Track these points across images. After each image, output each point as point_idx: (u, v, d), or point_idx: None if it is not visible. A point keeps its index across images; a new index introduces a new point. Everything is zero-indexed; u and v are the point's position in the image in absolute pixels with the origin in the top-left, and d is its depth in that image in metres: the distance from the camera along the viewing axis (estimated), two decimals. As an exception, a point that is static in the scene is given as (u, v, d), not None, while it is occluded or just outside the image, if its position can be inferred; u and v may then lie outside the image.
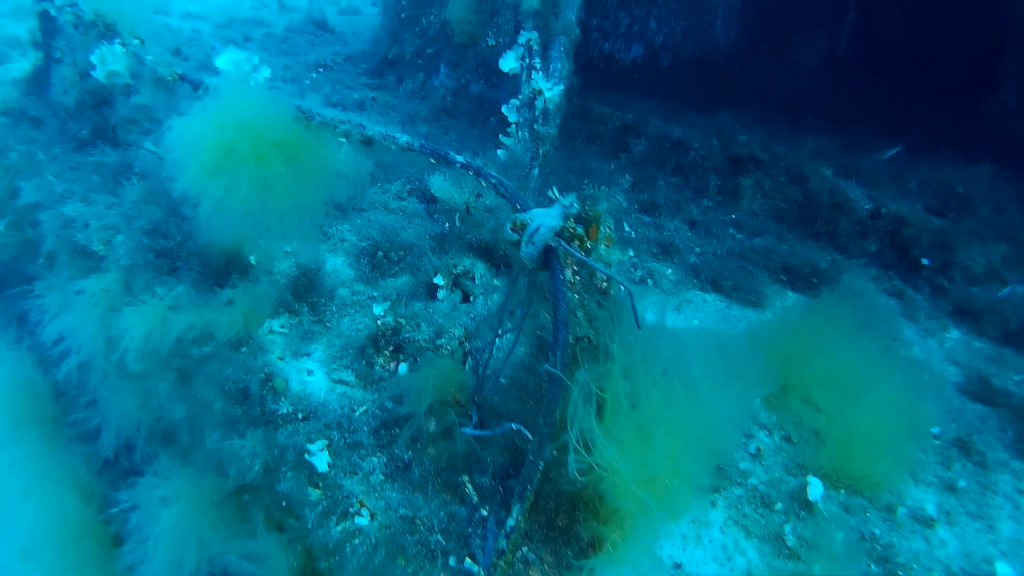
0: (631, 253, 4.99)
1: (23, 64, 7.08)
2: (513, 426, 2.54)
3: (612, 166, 6.17)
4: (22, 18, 9.13)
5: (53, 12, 5.36)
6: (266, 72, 3.71)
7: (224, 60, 3.68)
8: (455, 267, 3.98)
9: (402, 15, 7.74)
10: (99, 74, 4.60)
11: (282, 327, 3.70)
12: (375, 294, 3.92)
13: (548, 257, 2.48)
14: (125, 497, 3.41)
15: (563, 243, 2.44)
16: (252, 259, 3.89)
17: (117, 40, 4.61)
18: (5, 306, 5.23)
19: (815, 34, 8.28)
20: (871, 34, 7.77)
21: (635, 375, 2.45)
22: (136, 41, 4.66)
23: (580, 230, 2.49)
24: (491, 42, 6.94)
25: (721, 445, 2.99)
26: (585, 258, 2.44)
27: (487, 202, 4.26)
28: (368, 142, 3.08)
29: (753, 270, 4.94)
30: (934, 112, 6.71)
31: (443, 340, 3.55)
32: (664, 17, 8.11)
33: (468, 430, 2.86)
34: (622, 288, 2.50)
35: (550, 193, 2.51)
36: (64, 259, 4.31)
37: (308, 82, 7.40)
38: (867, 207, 5.42)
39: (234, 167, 3.14)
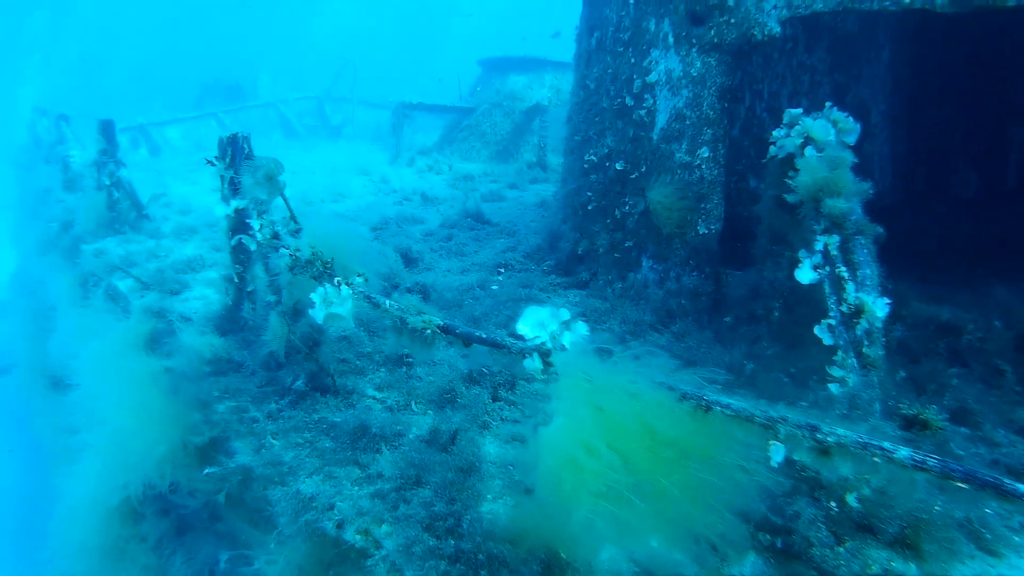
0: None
1: (204, 292, 6.67)
2: None
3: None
4: (184, 237, 8.96)
5: (252, 246, 4.85)
6: (582, 329, 2.89)
7: (528, 323, 2.90)
8: None
9: (589, 207, 7.12)
10: (317, 315, 3.92)
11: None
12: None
13: None
14: None
15: None
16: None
17: (337, 278, 3.97)
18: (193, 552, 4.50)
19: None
20: None
21: None
22: (360, 279, 4.01)
23: None
24: (702, 230, 6.22)
25: None
26: None
27: None
28: (825, 452, 2.16)
29: None
30: None
31: None
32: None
33: None
34: None
35: None
36: (307, 549, 3.49)
37: (496, 287, 6.74)
38: None
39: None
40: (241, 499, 3.94)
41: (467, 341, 3.23)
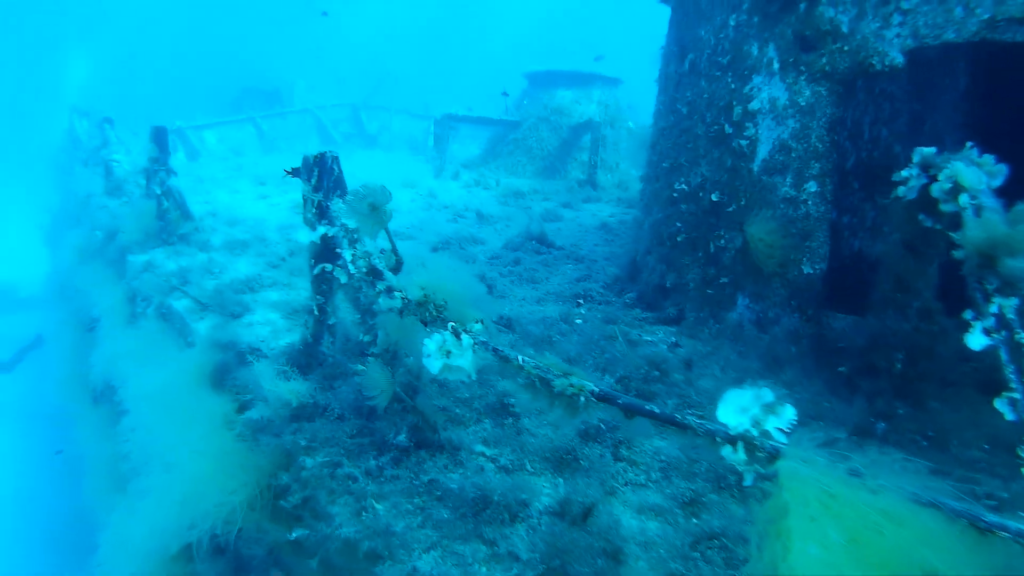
0: None
1: (268, 316, 6.28)
2: None
3: None
4: (236, 251, 8.61)
5: (343, 278, 4.43)
6: (789, 414, 2.43)
7: (729, 409, 2.44)
8: None
9: (678, 238, 6.67)
10: (432, 365, 3.49)
11: None
12: None
13: None
14: None
15: None
16: None
17: (452, 324, 3.54)
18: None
19: None
20: None
21: None
22: (478, 326, 3.58)
23: None
24: (807, 270, 5.77)
25: None
26: None
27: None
28: None
29: None
30: None
31: None
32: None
33: None
34: None
35: None
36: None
37: (580, 321, 6.29)
38: None
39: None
40: (340, 570, 3.51)
41: (631, 413, 2.78)
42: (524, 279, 7.61)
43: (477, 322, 3.53)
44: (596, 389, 2.89)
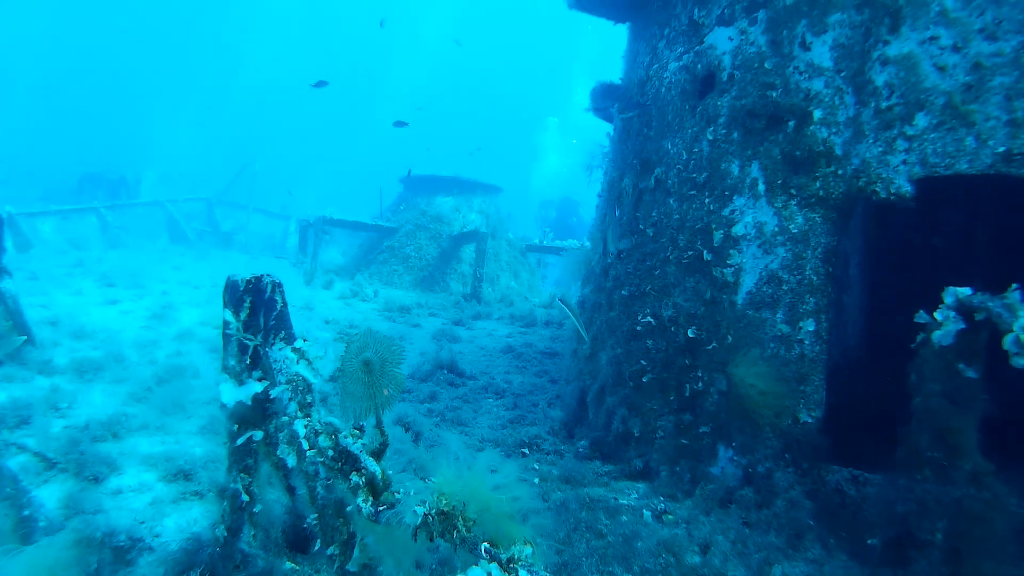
0: None
1: (144, 479, 4.84)
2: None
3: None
4: (87, 375, 6.98)
5: (290, 460, 3.19)
6: None
7: None
8: None
9: (643, 379, 5.78)
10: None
11: None
12: None
13: None
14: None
15: None
16: None
17: (490, 549, 2.42)
18: None
19: None
20: None
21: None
22: (527, 549, 2.48)
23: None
24: (804, 418, 5.05)
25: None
26: None
27: None
28: None
29: None
30: None
31: None
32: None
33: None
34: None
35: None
36: None
37: (537, 483, 5.18)
38: None
39: None
40: None
41: None
42: (448, 420, 6.43)
43: (526, 544, 2.39)
44: None
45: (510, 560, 2.32)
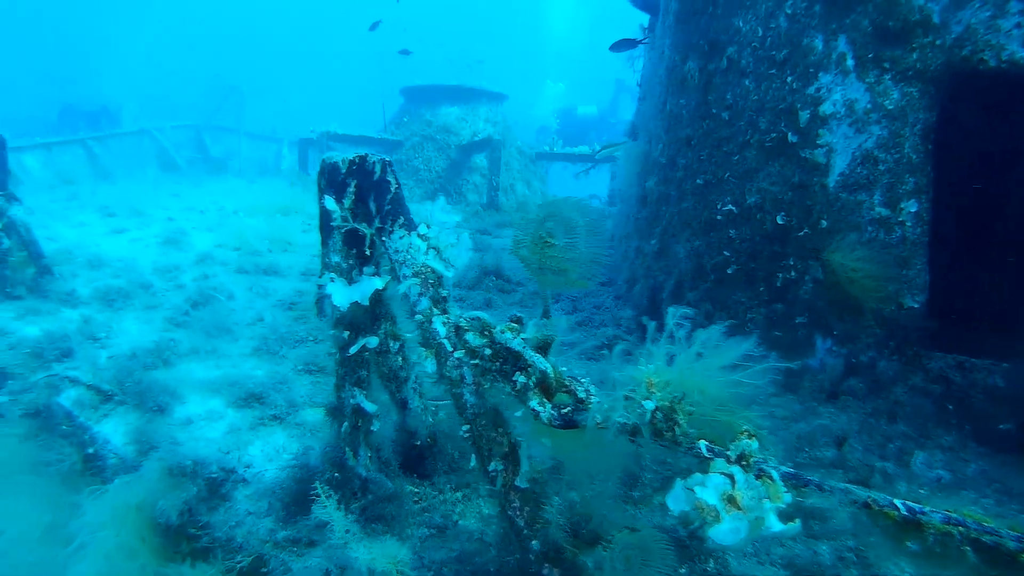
0: None
1: (211, 407, 4.54)
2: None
3: None
4: (115, 303, 6.63)
5: (426, 364, 2.88)
6: None
7: None
8: None
9: (728, 270, 5.48)
10: (722, 533, 2.07)
11: None
12: None
13: None
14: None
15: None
16: None
17: (715, 448, 2.15)
18: None
19: None
20: None
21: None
22: (754, 443, 2.21)
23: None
24: (908, 303, 4.76)
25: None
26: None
27: None
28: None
29: None
30: None
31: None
32: None
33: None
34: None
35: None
36: None
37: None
38: None
39: None
40: None
41: None
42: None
43: (750, 437, 2.10)
44: None
45: (741, 457, 2.04)
